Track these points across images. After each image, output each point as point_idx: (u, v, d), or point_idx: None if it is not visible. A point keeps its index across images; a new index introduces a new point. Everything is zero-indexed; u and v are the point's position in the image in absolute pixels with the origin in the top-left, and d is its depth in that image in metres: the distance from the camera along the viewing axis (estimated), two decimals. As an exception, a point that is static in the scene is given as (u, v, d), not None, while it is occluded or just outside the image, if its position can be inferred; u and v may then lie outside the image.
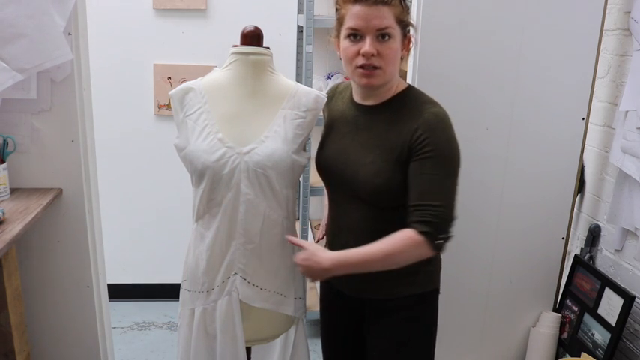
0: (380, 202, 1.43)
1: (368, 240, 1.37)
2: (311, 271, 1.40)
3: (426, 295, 1.52)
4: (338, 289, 1.58)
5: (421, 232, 1.32)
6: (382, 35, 1.35)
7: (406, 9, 1.40)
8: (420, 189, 1.34)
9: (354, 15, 1.36)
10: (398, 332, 1.51)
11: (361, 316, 1.58)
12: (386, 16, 1.34)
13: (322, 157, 1.55)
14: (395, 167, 1.38)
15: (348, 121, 1.51)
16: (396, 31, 1.37)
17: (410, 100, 1.44)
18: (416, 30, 1.47)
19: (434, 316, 1.56)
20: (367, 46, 1.35)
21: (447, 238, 1.35)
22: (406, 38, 1.42)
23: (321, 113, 1.61)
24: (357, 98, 1.51)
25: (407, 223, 1.35)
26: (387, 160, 1.39)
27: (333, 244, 1.55)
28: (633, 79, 1.93)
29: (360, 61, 1.37)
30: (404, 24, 1.40)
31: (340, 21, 1.42)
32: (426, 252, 1.34)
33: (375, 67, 1.37)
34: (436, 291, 1.56)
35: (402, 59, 1.45)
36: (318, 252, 1.39)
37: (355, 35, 1.37)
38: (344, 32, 1.40)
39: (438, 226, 1.32)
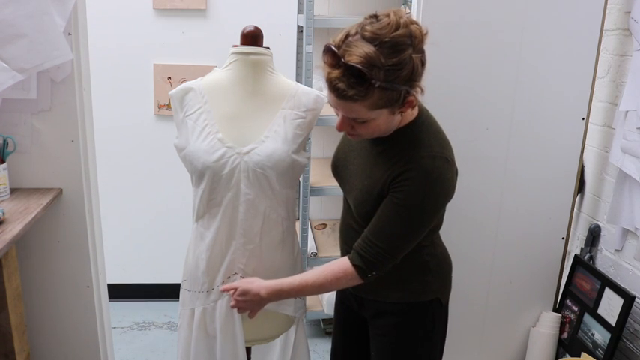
0: (366, 223, 1.39)
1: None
2: (251, 305, 1.44)
3: (420, 304, 1.46)
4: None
5: (355, 265, 1.34)
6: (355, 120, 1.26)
7: (395, 80, 1.18)
8: (375, 224, 1.34)
9: (328, 96, 1.25)
10: (389, 335, 1.49)
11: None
12: (355, 110, 1.22)
13: (335, 161, 1.53)
14: (376, 202, 1.34)
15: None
16: (375, 114, 1.22)
17: (411, 137, 1.32)
18: (422, 91, 1.26)
19: (433, 328, 1.49)
20: (337, 123, 1.29)
21: (377, 275, 1.36)
22: (403, 103, 1.23)
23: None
24: None
25: (352, 246, 1.38)
26: (371, 192, 1.35)
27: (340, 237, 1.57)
28: (633, 79, 1.93)
29: None
30: (391, 101, 1.21)
31: None
32: (357, 282, 1.37)
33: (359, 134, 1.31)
34: (438, 302, 1.47)
35: (401, 114, 1.30)
36: (253, 284, 1.43)
37: None
38: None
39: (371, 264, 1.34)
